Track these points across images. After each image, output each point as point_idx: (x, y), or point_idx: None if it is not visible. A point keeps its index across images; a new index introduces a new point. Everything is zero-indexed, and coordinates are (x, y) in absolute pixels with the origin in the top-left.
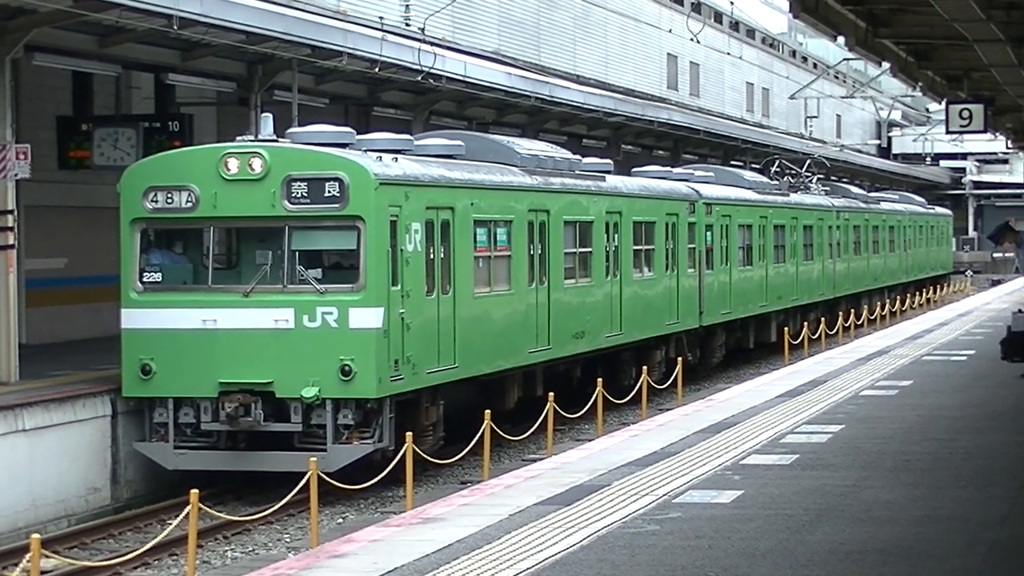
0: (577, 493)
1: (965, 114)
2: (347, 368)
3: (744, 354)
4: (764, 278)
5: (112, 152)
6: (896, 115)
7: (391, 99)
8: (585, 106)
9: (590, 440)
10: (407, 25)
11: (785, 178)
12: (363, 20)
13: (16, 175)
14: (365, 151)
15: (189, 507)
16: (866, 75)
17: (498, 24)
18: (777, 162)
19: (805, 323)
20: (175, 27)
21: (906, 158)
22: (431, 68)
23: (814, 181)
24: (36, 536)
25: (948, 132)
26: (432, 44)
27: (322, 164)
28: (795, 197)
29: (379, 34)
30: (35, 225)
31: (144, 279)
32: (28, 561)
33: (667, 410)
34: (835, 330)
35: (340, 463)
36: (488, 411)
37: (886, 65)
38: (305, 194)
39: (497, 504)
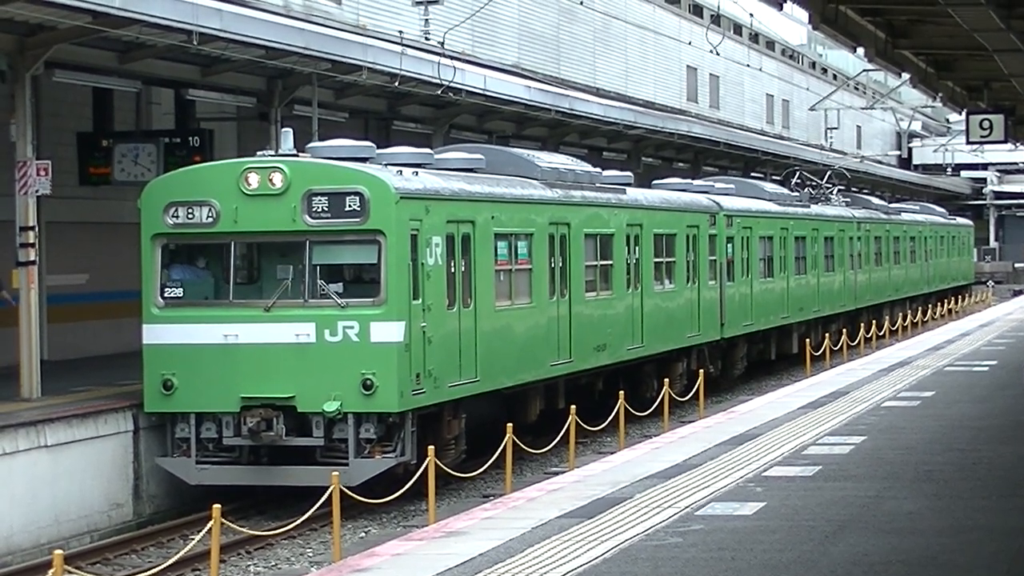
0: (599, 506)
1: (986, 124)
2: (369, 382)
3: (766, 366)
4: (785, 290)
5: (133, 168)
6: (916, 126)
7: (411, 113)
8: (605, 119)
9: (612, 453)
10: (427, 39)
11: (806, 189)
12: (382, 34)
13: (37, 191)
14: (385, 165)
15: (212, 522)
16: (886, 86)
17: (518, 37)
18: (797, 173)
19: (827, 334)
20: (195, 43)
21: (927, 169)
22: (451, 82)
23: (835, 192)
24: (59, 552)
25: (969, 142)
26: (452, 58)
27: (342, 178)
28: (816, 208)
29: (399, 48)
30: (56, 241)
31: (165, 294)
32: None
33: (689, 422)
34: (857, 341)
35: (362, 477)
36: (510, 424)
37: (906, 76)
38: (326, 208)
39: (520, 517)
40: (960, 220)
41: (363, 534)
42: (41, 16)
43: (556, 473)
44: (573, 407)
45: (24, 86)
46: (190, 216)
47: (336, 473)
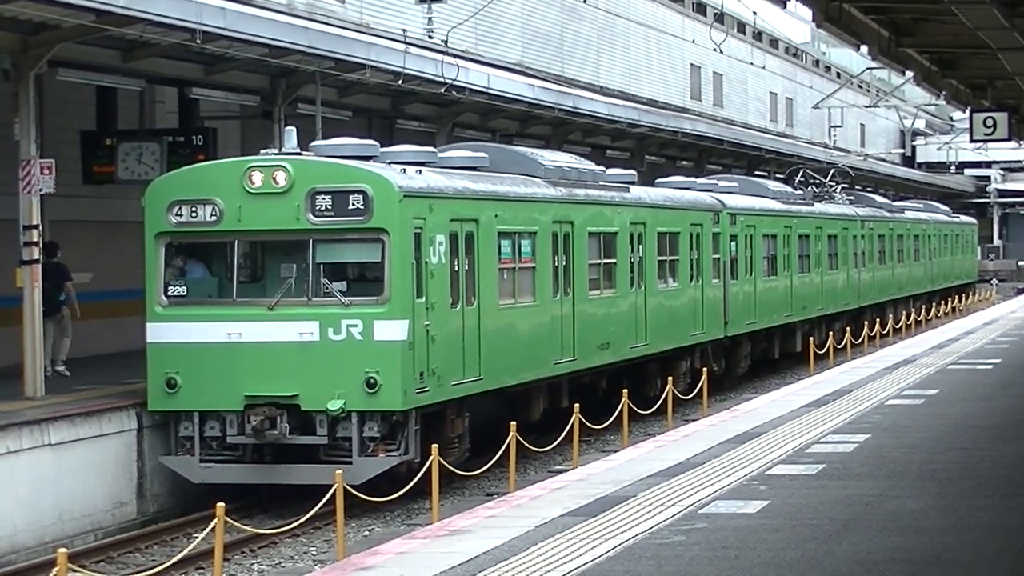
0: (603, 504)
1: (989, 122)
2: (372, 381)
3: (769, 364)
4: (789, 288)
5: (136, 166)
6: (920, 124)
7: (415, 111)
8: (609, 117)
9: (616, 451)
10: (430, 37)
11: (809, 188)
12: (386, 33)
13: (41, 190)
14: (389, 164)
15: (215, 520)
16: (890, 84)
17: (521, 36)
18: (801, 172)
19: (830, 333)
20: (199, 41)
21: (930, 167)
22: (454, 80)
23: (838, 190)
24: (63, 550)
25: (972, 140)
26: (455, 56)
27: (346, 177)
28: (819, 207)
29: (402, 46)
30: (60, 240)
31: (169, 293)
32: (55, 575)
33: (693, 421)
34: (860, 339)
35: (366, 475)
36: (514, 422)
37: (909, 74)
38: (329, 207)
39: (523, 516)
40: (964, 218)
41: (367, 532)
42: (45, 15)
43: (560, 471)
44: (577, 405)
45: (28, 85)
46: (194, 215)
47: (340, 471)
